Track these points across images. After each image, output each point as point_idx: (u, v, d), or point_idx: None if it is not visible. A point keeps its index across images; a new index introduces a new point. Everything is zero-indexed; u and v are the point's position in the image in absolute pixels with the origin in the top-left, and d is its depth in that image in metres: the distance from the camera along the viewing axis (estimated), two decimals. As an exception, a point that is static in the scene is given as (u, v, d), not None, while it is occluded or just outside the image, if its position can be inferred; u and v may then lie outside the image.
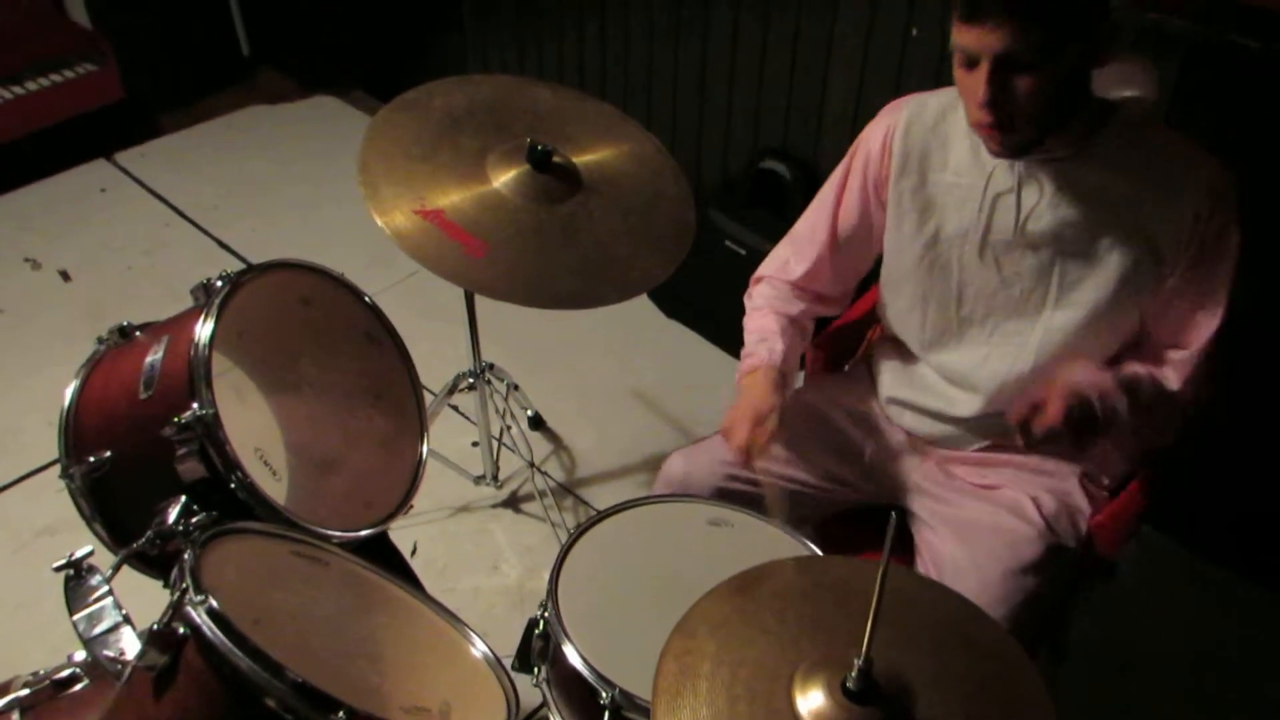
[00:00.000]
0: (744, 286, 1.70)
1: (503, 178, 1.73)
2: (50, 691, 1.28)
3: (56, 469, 1.46)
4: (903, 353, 1.61)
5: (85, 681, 1.29)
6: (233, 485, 1.34)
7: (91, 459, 1.41)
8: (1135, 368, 1.39)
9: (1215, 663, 2.08)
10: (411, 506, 1.63)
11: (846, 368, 1.80)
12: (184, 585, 1.10)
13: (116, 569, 1.30)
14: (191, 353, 1.36)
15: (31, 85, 3.27)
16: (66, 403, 1.48)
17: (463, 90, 1.88)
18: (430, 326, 2.34)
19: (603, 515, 1.44)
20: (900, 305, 1.55)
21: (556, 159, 1.74)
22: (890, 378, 1.62)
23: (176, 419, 1.31)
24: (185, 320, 1.44)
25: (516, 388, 2.37)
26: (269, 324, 1.55)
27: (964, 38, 1.23)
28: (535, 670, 1.31)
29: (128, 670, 1.14)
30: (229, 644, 1.05)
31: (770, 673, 0.96)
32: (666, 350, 2.79)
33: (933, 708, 0.94)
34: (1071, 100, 1.28)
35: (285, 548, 1.33)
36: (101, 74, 3.37)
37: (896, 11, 2.20)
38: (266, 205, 3.33)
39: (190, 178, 3.43)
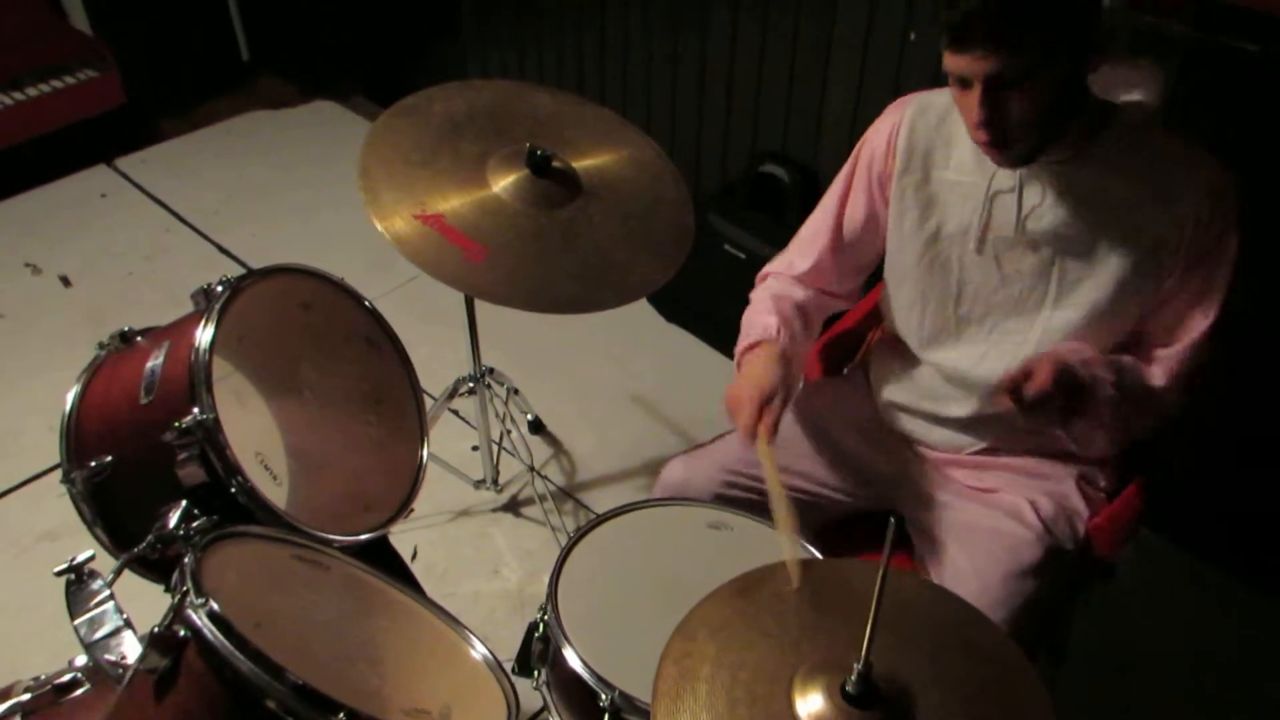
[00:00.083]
0: (744, 290, 1.70)
1: (502, 183, 1.73)
2: (52, 696, 1.28)
3: (58, 474, 1.47)
4: (901, 356, 1.61)
5: (87, 686, 1.29)
6: (233, 489, 1.35)
7: (93, 464, 1.41)
8: (1122, 355, 1.40)
9: (1215, 663, 2.09)
10: (412, 510, 1.63)
11: (845, 372, 1.80)
12: (185, 589, 1.10)
13: (118, 573, 1.30)
14: (192, 357, 1.36)
15: (32, 91, 3.28)
16: (68, 408, 1.48)
17: (462, 95, 1.88)
18: (430, 331, 2.35)
19: (603, 519, 1.44)
20: (901, 302, 1.56)
21: (556, 164, 1.74)
22: (888, 382, 1.62)
23: (177, 424, 1.32)
24: (186, 325, 1.45)
25: (516, 392, 2.38)
26: (269, 329, 1.55)
27: (953, 64, 1.24)
28: (535, 673, 1.31)
29: (129, 674, 1.14)
30: (230, 647, 1.05)
31: (770, 676, 0.96)
32: (666, 354, 2.79)
33: (932, 711, 0.95)
34: (1069, 105, 1.29)
35: (286, 551, 1.33)
36: (102, 80, 3.37)
37: (894, 15, 2.21)
38: (267, 210, 3.34)
39: (191, 183, 3.44)
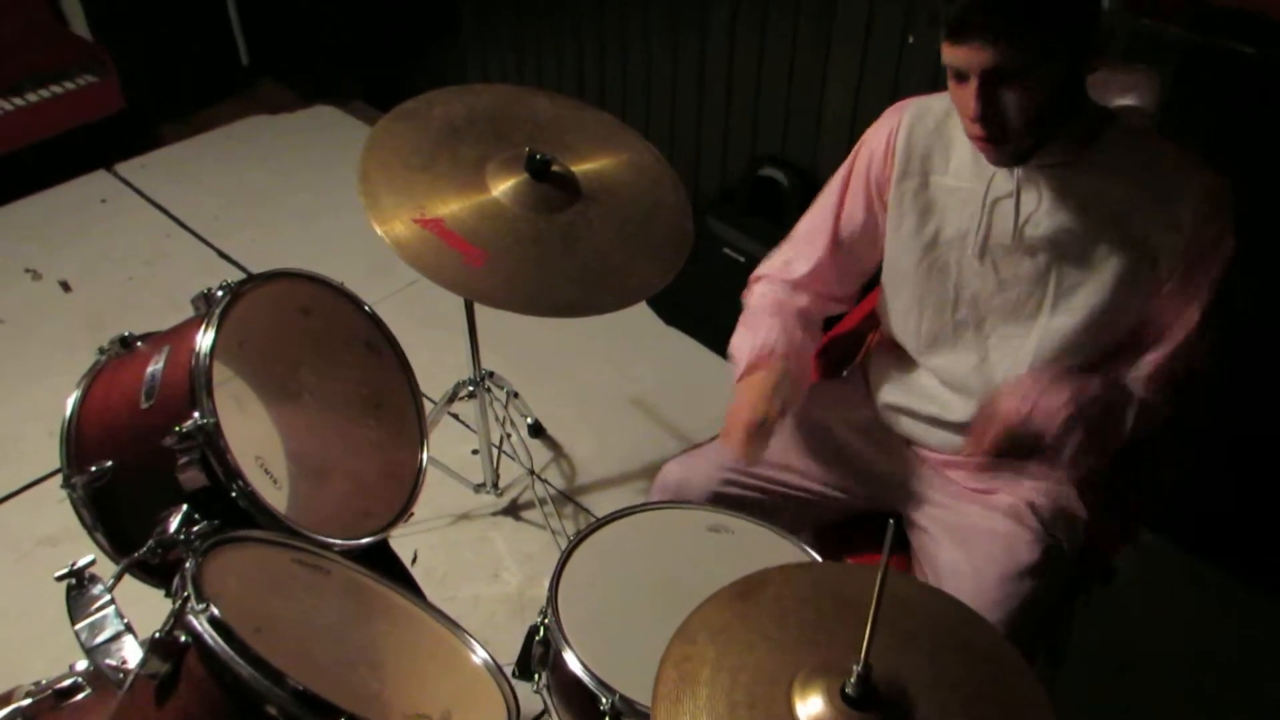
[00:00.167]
0: (742, 293, 1.71)
1: (502, 187, 1.73)
2: (52, 701, 1.28)
3: (58, 479, 1.47)
4: (900, 359, 1.61)
5: (87, 691, 1.29)
6: (234, 494, 1.35)
7: (93, 468, 1.41)
8: (1098, 375, 1.41)
9: (1215, 663, 2.09)
10: (412, 514, 1.63)
11: (845, 374, 1.81)
12: (185, 593, 1.10)
13: (118, 578, 1.30)
14: (192, 362, 1.37)
15: (32, 96, 3.28)
16: (68, 413, 1.48)
17: (462, 100, 1.88)
18: (430, 335, 2.35)
19: (603, 522, 1.44)
20: (898, 306, 1.56)
21: (555, 168, 1.75)
22: (887, 384, 1.63)
23: (178, 428, 1.32)
24: (186, 330, 1.45)
25: (516, 395, 2.38)
26: (269, 333, 1.55)
27: (951, 55, 1.24)
28: (536, 677, 1.31)
29: (130, 678, 1.14)
30: (230, 652, 1.05)
31: (770, 678, 0.97)
32: (665, 357, 2.80)
33: (931, 713, 0.95)
34: (1066, 106, 1.29)
35: (286, 556, 1.33)
36: (102, 85, 3.38)
37: (893, 19, 2.21)
38: (267, 215, 3.34)
39: (190, 188, 3.44)
